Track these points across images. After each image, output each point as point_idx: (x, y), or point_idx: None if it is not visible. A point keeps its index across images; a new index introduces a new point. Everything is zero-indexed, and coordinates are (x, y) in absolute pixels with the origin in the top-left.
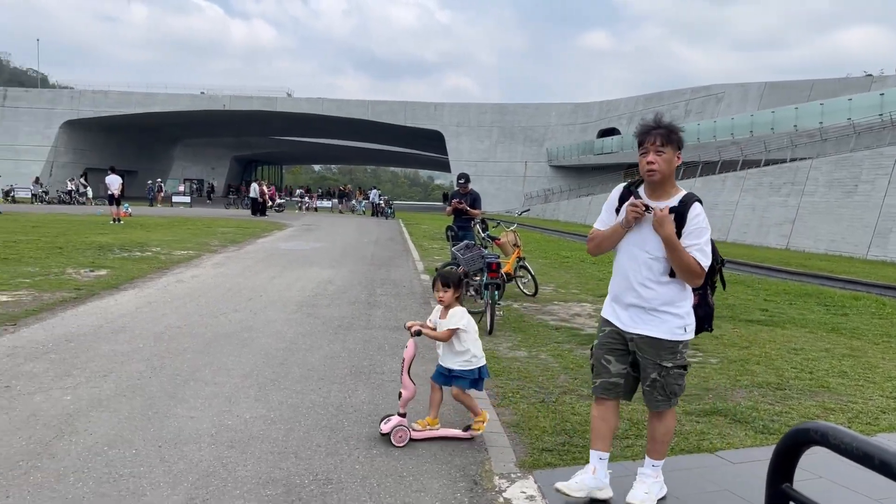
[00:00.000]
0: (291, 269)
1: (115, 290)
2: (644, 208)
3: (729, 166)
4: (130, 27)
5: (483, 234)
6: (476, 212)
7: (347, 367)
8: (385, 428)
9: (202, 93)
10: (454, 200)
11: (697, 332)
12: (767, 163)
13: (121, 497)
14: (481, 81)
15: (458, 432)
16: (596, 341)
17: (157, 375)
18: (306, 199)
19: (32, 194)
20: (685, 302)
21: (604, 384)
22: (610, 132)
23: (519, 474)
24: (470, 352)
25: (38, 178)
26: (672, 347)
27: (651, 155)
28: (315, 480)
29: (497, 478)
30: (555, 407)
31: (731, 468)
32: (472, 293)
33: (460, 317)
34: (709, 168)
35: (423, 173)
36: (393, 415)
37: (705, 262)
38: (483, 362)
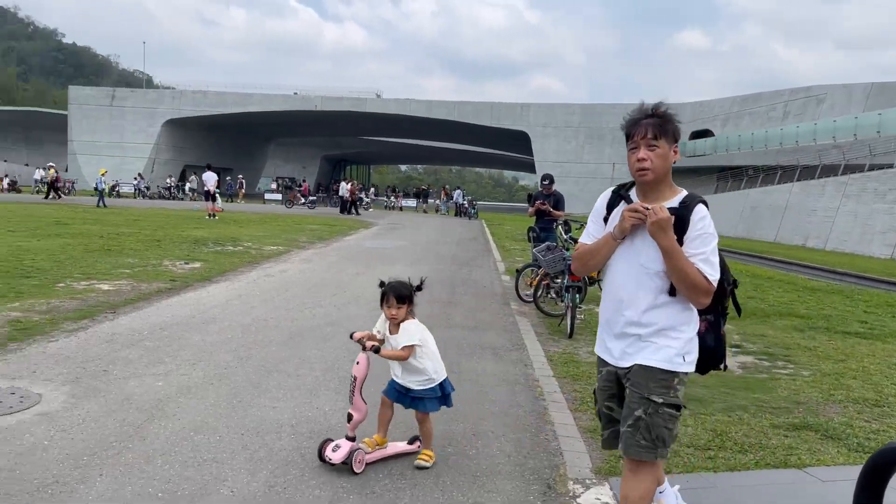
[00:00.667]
0: (375, 267)
1: (208, 282)
2: (646, 211)
3: (829, 171)
4: (229, 30)
5: (565, 236)
6: (559, 213)
7: None
8: (336, 457)
9: (295, 93)
10: (537, 201)
11: (706, 368)
12: (872, 167)
13: (204, 481)
14: (568, 82)
15: (404, 446)
16: (596, 385)
17: (243, 366)
18: (392, 198)
19: (136, 189)
20: (687, 327)
21: (614, 434)
22: (703, 134)
23: (594, 480)
24: (428, 369)
25: (140, 174)
26: (665, 380)
27: (642, 150)
28: (389, 475)
29: (571, 483)
30: None
31: (820, 486)
32: (553, 296)
33: (414, 331)
34: (808, 172)
35: (508, 174)
36: (335, 440)
37: (713, 274)
38: (444, 375)
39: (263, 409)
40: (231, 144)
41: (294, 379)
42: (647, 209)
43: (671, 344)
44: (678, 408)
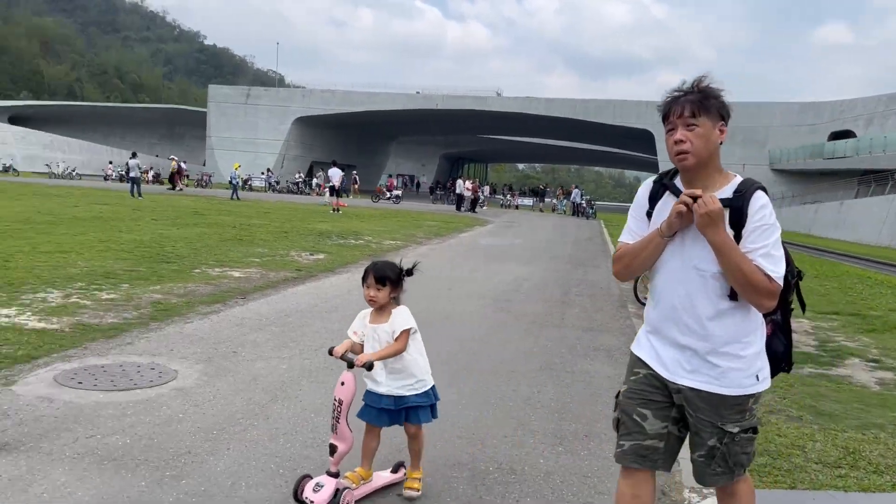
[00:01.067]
0: (489, 264)
1: (331, 273)
2: (696, 199)
3: None
4: (357, 31)
5: None
6: None
7: (538, 363)
8: (320, 498)
9: (418, 92)
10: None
11: (773, 374)
12: None
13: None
14: None
15: (389, 476)
16: (624, 387)
17: None
18: (508, 196)
19: (266, 182)
20: (754, 336)
21: (636, 449)
22: (843, 135)
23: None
24: (421, 366)
25: (269, 169)
26: (740, 405)
27: (679, 131)
28: (499, 469)
29: (687, 491)
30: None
31: None
32: None
33: (409, 315)
34: None
35: (629, 174)
36: (315, 478)
37: (775, 270)
38: (432, 380)
39: None
40: (355, 142)
41: None
42: (699, 197)
43: (737, 365)
44: (755, 430)
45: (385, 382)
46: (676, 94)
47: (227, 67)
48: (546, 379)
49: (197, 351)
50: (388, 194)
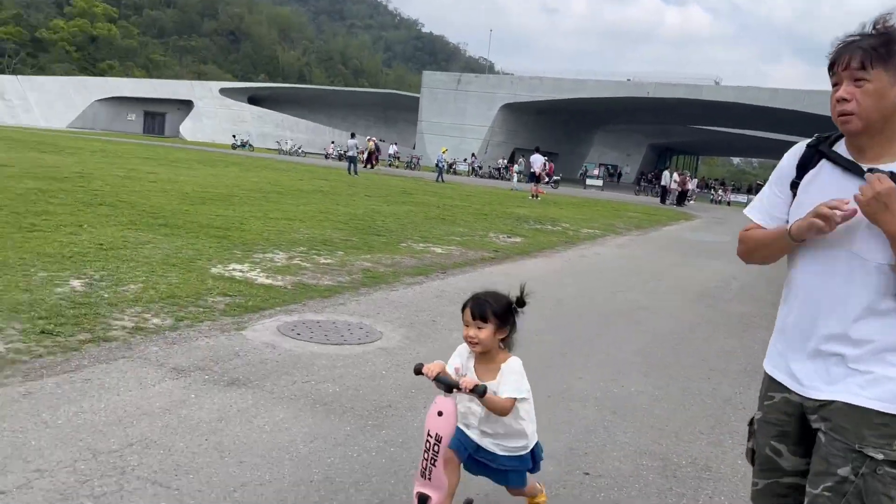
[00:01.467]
0: (694, 259)
1: (526, 256)
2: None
3: None
4: (568, 17)
5: None
6: None
7: (742, 364)
8: None
9: (628, 80)
10: None
11: None
12: None
13: None
14: None
15: None
16: (758, 413)
17: (554, 335)
18: (719, 192)
19: (470, 167)
20: None
21: (772, 488)
22: None
23: None
24: (525, 432)
25: (474, 154)
26: (887, 426)
27: (844, 87)
28: (692, 464)
29: None
30: None
31: None
32: None
33: (521, 374)
34: None
35: None
36: None
37: None
38: (536, 438)
39: (570, 379)
40: (560, 129)
41: (602, 356)
42: (879, 178)
43: (893, 373)
44: None
45: (478, 426)
46: (851, 38)
47: (441, 54)
48: (750, 381)
49: (400, 316)
50: (548, 179)
